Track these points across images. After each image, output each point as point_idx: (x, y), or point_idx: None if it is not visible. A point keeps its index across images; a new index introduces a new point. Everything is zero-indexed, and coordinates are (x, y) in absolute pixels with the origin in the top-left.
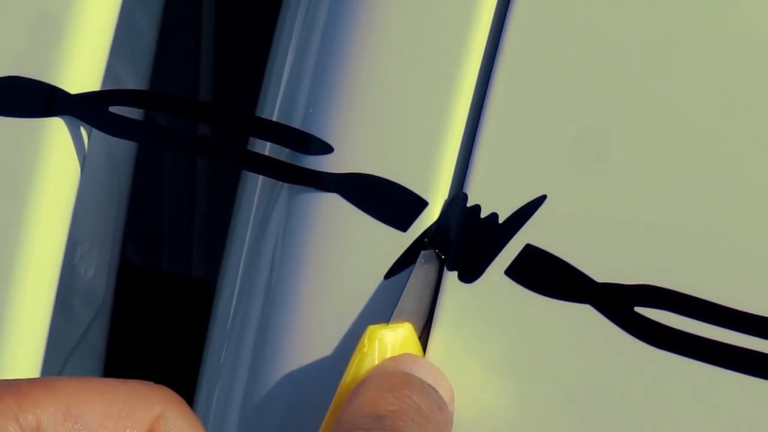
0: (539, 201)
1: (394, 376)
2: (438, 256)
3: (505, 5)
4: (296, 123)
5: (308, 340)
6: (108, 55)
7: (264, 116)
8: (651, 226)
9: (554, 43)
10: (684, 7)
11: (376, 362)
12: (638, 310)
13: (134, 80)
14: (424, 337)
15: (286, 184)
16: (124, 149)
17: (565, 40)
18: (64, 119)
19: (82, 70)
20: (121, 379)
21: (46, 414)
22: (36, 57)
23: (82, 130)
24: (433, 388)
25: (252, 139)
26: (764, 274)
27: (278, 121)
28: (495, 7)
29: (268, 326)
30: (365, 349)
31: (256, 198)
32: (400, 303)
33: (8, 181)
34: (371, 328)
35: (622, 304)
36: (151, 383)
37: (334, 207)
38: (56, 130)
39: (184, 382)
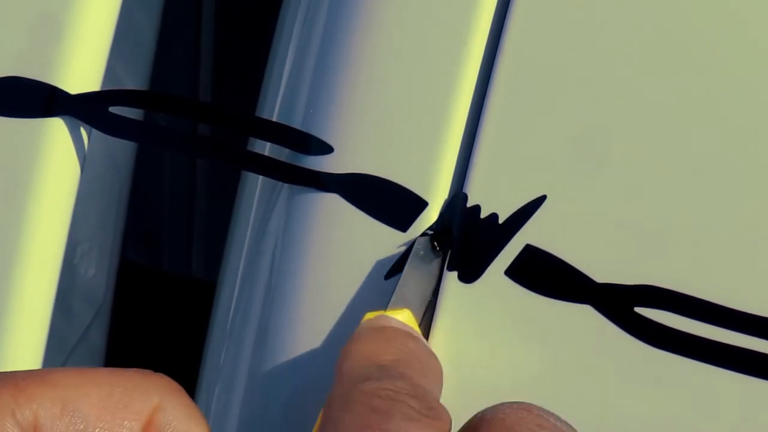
0: (539, 201)
1: (386, 329)
2: (435, 248)
3: (505, 5)
4: (296, 123)
5: (308, 339)
6: (108, 55)
7: (264, 116)
8: (651, 226)
9: (554, 43)
10: (684, 7)
11: None
12: (638, 310)
13: (134, 80)
14: (424, 324)
15: (286, 185)
16: (124, 149)
17: (564, 40)
18: (64, 119)
19: (82, 70)
20: (118, 369)
21: (43, 409)
22: (36, 57)
23: (82, 130)
24: (422, 338)
25: (252, 139)
26: (764, 274)
27: (278, 121)
28: (495, 7)
29: (268, 326)
30: None
31: (256, 198)
32: (397, 289)
33: (8, 181)
34: (369, 315)
35: (622, 304)
36: (150, 372)
37: (334, 207)
38: (56, 130)
39: (184, 381)
